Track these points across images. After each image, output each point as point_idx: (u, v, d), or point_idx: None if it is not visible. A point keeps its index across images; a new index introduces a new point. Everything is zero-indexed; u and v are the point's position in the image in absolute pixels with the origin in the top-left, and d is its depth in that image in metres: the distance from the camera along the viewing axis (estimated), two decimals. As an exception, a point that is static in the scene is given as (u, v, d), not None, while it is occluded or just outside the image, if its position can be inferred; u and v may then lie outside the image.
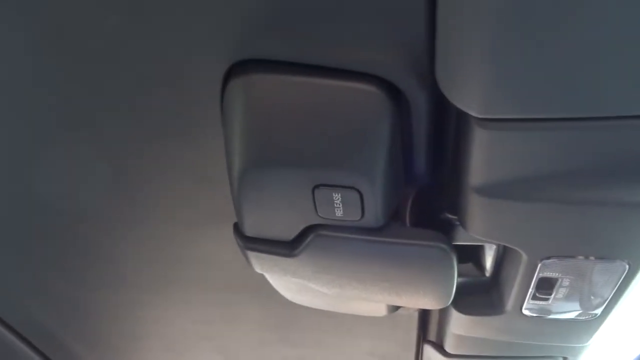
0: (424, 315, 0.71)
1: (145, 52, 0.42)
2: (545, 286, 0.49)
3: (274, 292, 0.74)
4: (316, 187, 0.44)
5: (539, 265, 0.45)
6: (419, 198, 0.52)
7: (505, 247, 0.51)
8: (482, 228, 0.42)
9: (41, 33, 0.42)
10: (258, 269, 0.56)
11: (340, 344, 0.90)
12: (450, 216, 0.49)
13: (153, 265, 0.75)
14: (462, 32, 0.29)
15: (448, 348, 0.66)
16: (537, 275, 0.47)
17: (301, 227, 0.48)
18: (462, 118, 0.37)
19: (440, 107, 0.42)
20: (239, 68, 0.41)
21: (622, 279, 0.46)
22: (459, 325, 0.58)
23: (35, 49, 0.43)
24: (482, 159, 0.37)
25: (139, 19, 0.39)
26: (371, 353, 0.91)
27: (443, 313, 0.63)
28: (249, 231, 0.50)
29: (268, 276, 0.62)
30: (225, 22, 0.38)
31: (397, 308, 0.62)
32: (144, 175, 0.57)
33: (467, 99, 0.33)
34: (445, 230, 0.50)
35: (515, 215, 0.39)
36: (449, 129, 0.43)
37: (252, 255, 0.54)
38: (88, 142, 0.54)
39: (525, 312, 0.52)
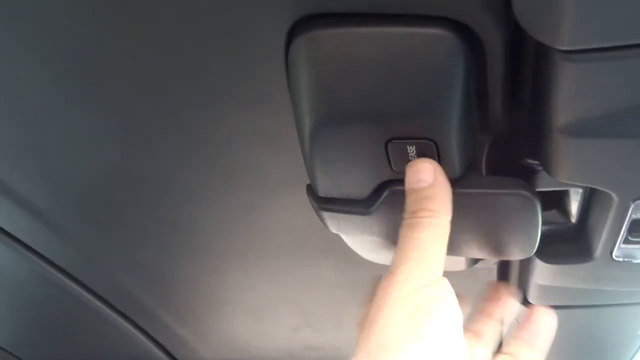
0: (504, 267, 0.69)
1: (207, 15, 0.42)
2: (638, 228, 0.46)
3: (349, 252, 0.74)
4: (389, 141, 0.43)
5: (632, 206, 0.43)
6: (495, 145, 0.50)
7: (592, 190, 0.48)
8: (568, 171, 0.40)
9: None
10: (334, 229, 0.56)
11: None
12: (531, 162, 0.47)
13: (231, 233, 0.77)
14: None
15: (531, 299, 0.65)
16: (629, 218, 0.44)
17: (375, 183, 0.48)
18: (543, 54, 0.35)
19: (516, 45, 0.40)
20: (302, 25, 0.40)
21: None
22: (543, 275, 0.56)
23: (107, 19, 0.44)
24: (568, 96, 0.35)
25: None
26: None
27: (525, 264, 0.62)
28: (323, 192, 0.50)
29: (343, 236, 0.62)
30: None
31: (476, 262, 0.60)
32: (217, 143, 0.58)
33: (552, 31, 0.31)
34: (527, 176, 0.48)
35: (606, 154, 0.37)
36: (526, 68, 0.41)
37: (327, 216, 0.54)
38: (165, 113, 0.55)
39: (616, 257, 0.50)
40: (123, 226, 0.77)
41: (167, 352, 1.13)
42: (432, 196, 0.43)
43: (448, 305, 0.41)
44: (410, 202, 0.44)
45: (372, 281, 0.46)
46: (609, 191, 0.41)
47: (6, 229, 0.75)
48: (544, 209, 0.47)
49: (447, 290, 0.41)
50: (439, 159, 0.43)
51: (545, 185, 0.48)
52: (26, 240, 0.78)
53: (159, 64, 0.48)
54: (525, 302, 0.65)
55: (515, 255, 0.50)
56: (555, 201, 0.53)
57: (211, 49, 0.45)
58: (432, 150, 0.42)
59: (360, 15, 0.38)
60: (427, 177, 0.43)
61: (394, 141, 0.43)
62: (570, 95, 0.35)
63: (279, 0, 0.39)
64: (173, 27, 0.44)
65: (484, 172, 0.51)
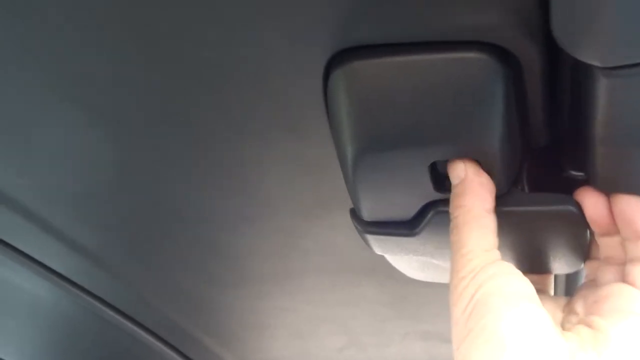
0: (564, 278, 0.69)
1: (247, 48, 0.43)
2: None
3: (391, 271, 0.74)
4: (434, 164, 0.43)
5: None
6: (536, 160, 0.50)
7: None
8: (612, 181, 0.40)
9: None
10: (379, 251, 0.57)
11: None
12: (574, 173, 0.47)
13: (270, 257, 0.77)
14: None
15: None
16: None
17: (420, 205, 0.48)
18: (583, 70, 0.35)
19: (554, 61, 0.40)
20: (339, 57, 0.41)
21: None
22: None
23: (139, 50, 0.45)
24: (609, 109, 0.35)
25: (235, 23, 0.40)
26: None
27: (572, 274, 0.61)
28: (367, 215, 0.51)
29: (388, 257, 0.62)
30: (324, 13, 0.38)
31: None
32: (257, 173, 0.59)
33: (592, 50, 0.31)
34: (570, 189, 0.48)
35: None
36: (564, 82, 0.41)
37: (372, 239, 0.54)
38: (205, 146, 0.56)
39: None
40: (166, 257, 0.78)
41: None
42: (463, 191, 0.42)
43: (509, 293, 0.38)
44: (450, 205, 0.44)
45: None
46: None
47: (58, 270, 0.77)
48: None
49: (502, 278, 0.39)
50: (484, 178, 0.43)
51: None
52: (74, 278, 0.80)
53: (199, 97, 0.50)
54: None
55: (564, 269, 0.50)
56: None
57: (251, 82, 0.47)
58: (478, 171, 0.43)
59: (396, 45, 0.39)
60: (458, 173, 0.43)
61: (439, 163, 0.43)
62: (612, 109, 0.35)
63: (317, 35, 0.40)
64: (212, 61, 0.45)
65: (526, 187, 0.52)
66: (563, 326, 0.42)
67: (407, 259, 0.58)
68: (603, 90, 0.34)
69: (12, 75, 0.47)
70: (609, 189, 0.42)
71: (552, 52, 0.39)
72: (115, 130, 0.54)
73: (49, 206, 0.65)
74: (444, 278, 0.65)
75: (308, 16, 0.38)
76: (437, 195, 0.46)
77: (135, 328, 0.94)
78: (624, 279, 0.42)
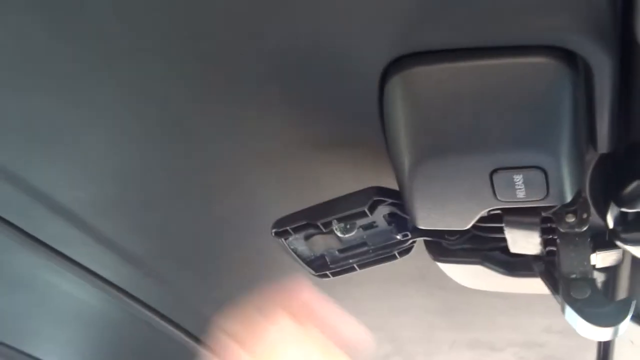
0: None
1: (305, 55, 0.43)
2: None
3: (440, 279, 0.73)
4: (494, 171, 0.42)
5: None
6: (601, 167, 0.48)
7: None
8: None
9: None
10: (434, 259, 0.56)
11: (514, 323, 0.87)
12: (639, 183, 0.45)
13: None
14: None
15: (645, 317, 0.61)
16: None
17: (478, 214, 0.47)
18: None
19: (625, 65, 0.38)
20: (398, 63, 0.40)
21: None
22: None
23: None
24: None
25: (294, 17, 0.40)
26: (548, 329, 0.87)
27: (636, 276, 0.59)
28: (423, 224, 0.50)
29: (441, 265, 0.61)
30: (385, 18, 0.37)
31: None
32: (307, 181, 0.59)
33: None
34: (634, 199, 0.46)
35: None
36: (635, 86, 0.39)
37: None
38: (257, 155, 0.56)
39: None
40: (213, 267, 0.79)
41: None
42: None
43: None
44: None
45: None
46: None
47: (108, 278, 0.78)
48: None
49: None
50: (548, 185, 0.42)
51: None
52: (124, 286, 0.81)
53: (254, 109, 0.50)
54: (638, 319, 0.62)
55: None
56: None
57: (306, 88, 0.46)
58: (541, 178, 0.41)
59: (460, 50, 0.38)
60: None
61: (499, 171, 0.42)
62: None
63: (376, 40, 0.39)
64: (268, 67, 0.45)
65: (588, 191, 0.50)
66: None
67: (462, 267, 0.57)
68: None
69: (69, 87, 0.48)
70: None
71: (625, 53, 0.37)
72: (169, 139, 0.55)
73: (103, 217, 0.67)
74: (495, 286, 0.64)
75: (371, 16, 0.37)
76: (498, 203, 0.45)
77: (182, 335, 0.94)
78: None
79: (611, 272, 0.62)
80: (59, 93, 0.49)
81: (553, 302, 0.53)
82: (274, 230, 0.54)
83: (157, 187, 0.61)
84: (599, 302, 0.47)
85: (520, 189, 0.42)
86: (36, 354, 0.97)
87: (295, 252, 0.58)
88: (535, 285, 0.57)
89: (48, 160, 0.58)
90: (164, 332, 0.92)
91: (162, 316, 0.88)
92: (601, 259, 0.56)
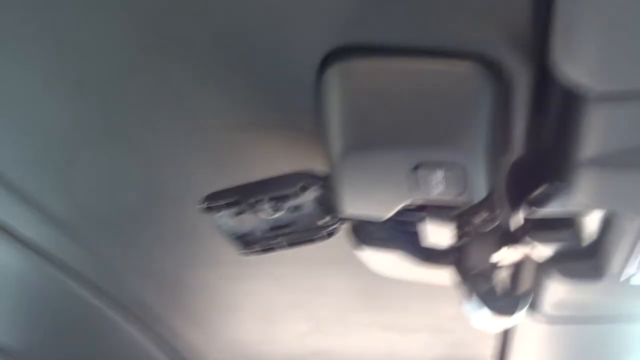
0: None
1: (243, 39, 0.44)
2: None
3: (361, 265, 0.76)
4: (417, 166, 0.45)
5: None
6: (514, 169, 0.52)
7: (610, 214, 0.50)
8: (592, 198, 0.42)
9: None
10: (354, 246, 0.59)
11: (427, 309, 0.91)
12: (550, 187, 0.49)
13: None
14: (586, 11, 0.29)
15: (543, 314, 0.67)
16: (644, 241, 0.46)
17: (399, 205, 0.49)
18: (571, 92, 0.37)
19: (541, 80, 0.42)
20: (335, 56, 0.42)
21: None
22: (556, 291, 0.58)
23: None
24: (595, 133, 0.37)
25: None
26: (456, 317, 0.92)
27: (538, 278, 0.64)
28: (347, 211, 0.52)
29: (359, 253, 0.64)
30: (323, 11, 0.39)
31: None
32: (239, 162, 0.60)
33: (587, 74, 0.33)
34: (543, 200, 0.50)
35: (631, 183, 0.39)
36: (550, 100, 0.43)
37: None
38: (195, 135, 0.56)
39: (626, 277, 0.52)
40: (142, 237, 0.78)
41: (176, 358, 1.14)
42: None
43: None
44: None
45: None
46: (634, 215, 0.43)
47: (28, 237, 0.76)
48: (560, 229, 0.50)
49: None
50: (465, 183, 0.45)
51: (564, 209, 0.49)
52: (48, 249, 0.79)
53: (190, 85, 0.50)
54: (537, 314, 0.67)
55: None
56: (572, 222, 0.55)
57: (247, 71, 0.47)
58: (459, 175, 0.44)
59: (392, 49, 0.40)
60: None
61: (423, 166, 0.44)
62: (597, 132, 0.37)
63: (314, 32, 0.40)
64: (205, 50, 0.45)
65: (501, 192, 0.53)
66: None
67: (379, 254, 0.60)
68: (591, 113, 0.36)
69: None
70: (585, 203, 0.44)
71: (542, 72, 0.40)
72: (103, 101, 0.54)
73: (25, 174, 0.65)
74: (410, 275, 0.68)
75: (307, 13, 0.39)
76: (418, 197, 0.48)
77: (103, 301, 0.93)
78: None
79: (516, 269, 0.67)
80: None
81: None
82: (205, 205, 0.55)
83: (86, 148, 0.60)
84: (495, 296, 0.51)
85: (439, 184, 0.45)
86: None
87: (223, 228, 0.59)
88: (445, 277, 0.61)
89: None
90: (83, 296, 0.91)
91: (83, 278, 0.87)
92: (505, 256, 0.60)
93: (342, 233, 0.64)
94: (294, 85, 0.48)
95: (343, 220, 0.59)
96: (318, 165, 0.55)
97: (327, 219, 0.58)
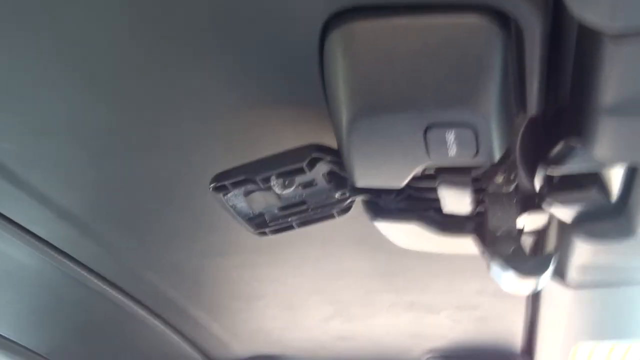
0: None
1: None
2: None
3: (380, 242, 0.74)
4: (428, 128, 0.43)
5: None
6: (530, 127, 0.50)
7: (634, 168, 0.48)
8: (613, 150, 0.40)
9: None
10: (371, 218, 0.57)
11: (449, 286, 0.90)
12: (568, 143, 0.47)
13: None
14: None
15: (570, 279, 0.65)
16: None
17: (412, 172, 0.48)
18: (587, 37, 0.35)
19: (555, 30, 0.40)
20: (337, 19, 0.40)
21: None
22: (582, 254, 0.56)
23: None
24: (614, 77, 0.35)
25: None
26: (481, 292, 0.91)
27: (564, 242, 0.62)
28: (360, 182, 0.51)
29: (379, 225, 0.62)
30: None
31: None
32: (248, 138, 0.59)
33: (604, 16, 0.31)
34: (563, 158, 0.48)
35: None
36: (565, 52, 0.41)
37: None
38: (193, 118, 0.55)
39: (656, 233, 0.50)
40: (156, 229, 0.78)
41: (199, 349, 1.14)
42: None
43: None
44: None
45: None
46: None
47: (44, 237, 0.76)
48: (583, 187, 0.48)
49: None
50: (478, 144, 0.43)
51: (585, 165, 0.48)
52: (62, 247, 0.79)
53: (192, 67, 0.49)
54: (563, 280, 0.66)
55: None
56: (595, 180, 0.53)
57: (248, 45, 0.46)
58: (471, 136, 0.43)
59: (395, 7, 0.38)
60: None
61: (433, 128, 0.43)
62: (617, 77, 0.35)
63: None
64: (201, 28, 0.44)
65: (517, 153, 0.52)
66: None
67: (398, 227, 0.59)
68: (609, 57, 0.34)
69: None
70: (606, 157, 0.42)
71: (555, 18, 0.38)
72: (108, 94, 0.53)
73: (34, 170, 0.64)
74: (429, 246, 0.66)
75: None
76: (431, 161, 0.46)
77: (123, 298, 0.93)
78: None
79: (539, 235, 0.65)
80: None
81: (485, 265, 0.55)
82: (212, 185, 0.54)
83: (93, 141, 0.60)
84: (522, 257, 0.49)
85: (451, 147, 0.44)
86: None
87: (234, 209, 0.58)
88: (467, 246, 0.59)
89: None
90: (102, 294, 0.91)
91: (100, 277, 0.87)
92: (529, 221, 0.59)
93: (358, 212, 0.63)
94: (295, 56, 0.47)
95: (356, 194, 0.57)
96: (326, 141, 0.54)
97: (340, 194, 0.57)
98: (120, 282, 0.91)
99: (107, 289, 0.90)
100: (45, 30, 0.46)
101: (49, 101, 0.55)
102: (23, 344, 1.03)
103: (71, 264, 0.82)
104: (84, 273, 0.85)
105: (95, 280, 0.87)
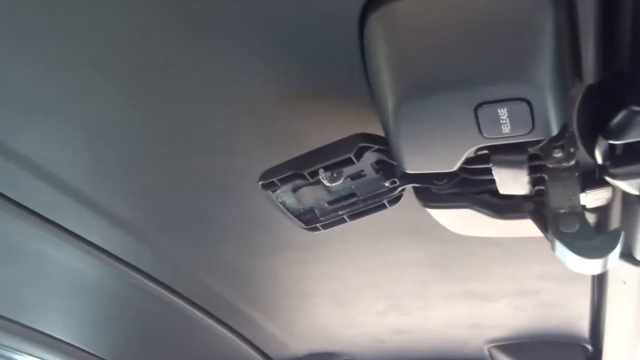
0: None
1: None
2: None
3: (432, 231, 0.72)
4: (479, 106, 0.41)
5: None
6: (587, 99, 0.47)
7: None
8: None
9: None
10: (424, 205, 0.56)
11: (508, 272, 0.87)
12: (631, 110, 0.45)
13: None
14: None
15: (636, 259, 0.62)
16: None
17: (465, 152, 0.46)
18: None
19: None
20: (375, 2, 0.39)
21: None
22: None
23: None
24: None
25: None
26: (542, 276, 0.88)
27: (630, 217, 0.58)
28: (410, 167, 0.49)
29: (431, 211, 0.61)
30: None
31: None
32: (295, 136, 0.58)
33: None
34: (623, 129, 0.45)
35: None
36: (622, 10, 0.38)
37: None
38: (237, 115, 0.55)
39: None
40: (208, 231, 0.79)
41: (257, 349, 1.15)
42: None
43: None
44: None
45: None
46: None
47: (102, 245, 0.78)
48: None
49: None
50: (533, 118, 0.41)
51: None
52: (120, 254, 0.81)
53: (232, 62, 0.49)
54: (633, 260, 0.62)
55: None
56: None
57: (287, 37, 0.45)
58: (526, 111, 0.41)
59: None
60: None
61: (483, 105, 0.41)
62: None
63: None
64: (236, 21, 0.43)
65: (575, 125, 0.49)
66: None
67: (455, 213, 0.57)
68: None
69: (44, 51, 0.47)
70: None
71: None
72: (149, 99, 0.54)
73: (87, 180, 0.66)
74: (486, 230, 0.64)
75: None
76: (484, 141, 0.44)
77: (180, 301, 0.95)
78: None
79: (602, 212, 0.62)
80: (35, 60, 0.48)
81: (545, 248, 0.53)
82: (260, 182, 0.54)
83: (138, 148, 0.61)
84: (588, 234, 0.47)
85: (505, 123, 0.42)
86: (34, 326, 0.97)
87: (284, 206, 0.57)
88: (526, 227, 0.57)
89: (29, 126, 0.57)
90: (161, 299, 0.92)
91: (158, 282, 0.88)
92: (591, 198, 0.56)
93: (408, 201, 0.61)
94: (335, 45, 0.46)
95: (406, 182, 0.56)
96: (372, 130, 0.53)
97: (390, 183, 0.56)
98: (178, 286, 0.92)
99: (166, 293, 0.91)
100: (86, 40, 0.47)
101: (95, 111, 0.56)
102: (91, 351, 1.07)
103: (129, 271, 0.84)
104: (142, 279, 0.87)
105: (154, 286, 0.89)
